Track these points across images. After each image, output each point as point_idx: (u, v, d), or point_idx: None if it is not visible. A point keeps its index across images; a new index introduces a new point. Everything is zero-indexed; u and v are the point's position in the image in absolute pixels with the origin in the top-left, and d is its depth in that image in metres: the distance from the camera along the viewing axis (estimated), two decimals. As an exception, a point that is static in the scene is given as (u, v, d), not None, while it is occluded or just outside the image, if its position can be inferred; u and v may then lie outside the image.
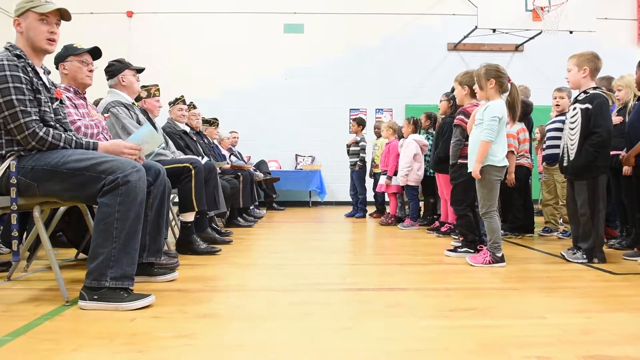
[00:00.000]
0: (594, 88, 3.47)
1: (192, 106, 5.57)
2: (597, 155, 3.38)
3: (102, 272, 2.15)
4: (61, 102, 2.59)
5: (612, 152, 3.76)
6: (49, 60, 2.54)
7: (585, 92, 3.49)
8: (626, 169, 3.72)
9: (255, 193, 6.89)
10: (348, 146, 7.62)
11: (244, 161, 8.09)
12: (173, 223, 4.50)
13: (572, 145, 3.49)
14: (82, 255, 3.44)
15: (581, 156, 3.41)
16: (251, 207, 6.72)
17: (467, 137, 3.83)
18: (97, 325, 1.96)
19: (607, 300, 2.47)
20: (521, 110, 4.69)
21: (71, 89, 3.08)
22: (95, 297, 2.16)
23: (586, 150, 3.38)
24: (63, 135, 2.31)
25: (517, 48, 10.22)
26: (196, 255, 3.70)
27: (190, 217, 3.78)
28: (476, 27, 8.71)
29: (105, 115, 3.43)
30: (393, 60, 10.17)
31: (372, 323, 2.06)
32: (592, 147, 3.36)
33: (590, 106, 3.39)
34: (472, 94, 3.98)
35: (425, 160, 5.83)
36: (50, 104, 2.40)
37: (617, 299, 2.50)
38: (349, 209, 7.81)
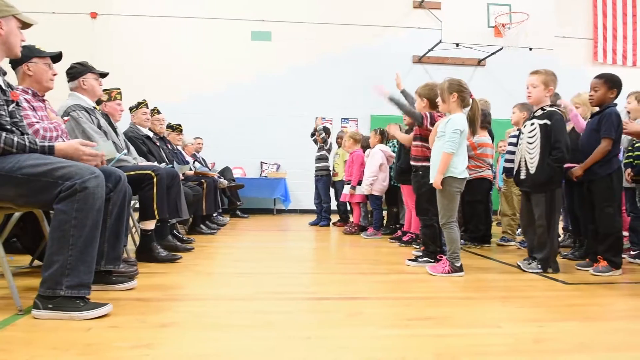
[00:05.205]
0: (550, 105, 3.61)
1: (156, 111, 5.50)
2: (557, 170, 3.52)
3: (57, 281, 2.10)
4: (17, 104, 2.52)
5: (565, 165, 3.90)
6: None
7: (542, 108, 3.62)
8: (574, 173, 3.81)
9: (219, 200, 6.83)
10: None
11: (208, 168, 8.02)
12: (133, 230, 4.42)
13: (531, 159, 3.61)
14: (37, 262, 3.33)
15: (543, 171, 3.53)
16: (214, 215, 6.65)
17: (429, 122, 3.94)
18: (52, 335, 1.91)
19: (559, 310, 2.56)
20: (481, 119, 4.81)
21: (29, 91, 2.99)
22: (50, 306, 2.10)
23: (548, 165, 3.51)
24: (15, 139, 2.22)
25: (480, 62, 10.52)
26: (156, 263, 3.64)
27: (151, 225, 3.72)
28: (440, 41, 8.92)
29: (65, 118, 3.35)
30: (359, 70, 10.28)
31: (332, 332, 2.08)
32: (554, 162, 3.50)
33: (549, 122, 3.52)
34: (431, 106, 4.06)
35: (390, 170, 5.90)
36: (5, 106, 2.34)
37: (568, 308, 2.60)
38: (313, 217, 7.82)
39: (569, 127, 4.34)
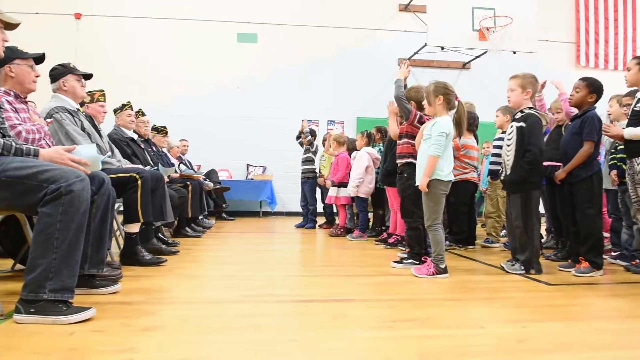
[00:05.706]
0: (529, 108, 3.66)
1: (140, 113, 5.46)
2: (530, 172, 3.57)
3: (40, 284, 2.07)
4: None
5: (546, 163, 3.95)
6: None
7: (521, 111, 3.67)
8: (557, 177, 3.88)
9: (205, 203, 6.80)
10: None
11: (194, 170, 7.97)
12: (117, 233, 4.38)
13: (508, 160, 3.69)
14: (19, 266, 3.29)
15: (516, 172, 3.61)
16: (200, 217, 6.62)
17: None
18: (34, 340, 1.88)
19: (542, 310, 2.60)
20: (468, 123, 4.85)
21: (11, 93, 2.95)
22: (32, 310, 2.07)
23: (521, 167, 3.57)
24: (1, 141, 2.22)
25: (464, 66, 10.61)
26: (141, 266, 3.61)
27: (135, 227, 3.69)
28: (426, 45, 8.98)
29: (48, 120, 3.32)
30: (345, 73, 10.31)
31: (318, 335, 2.08)
32: (526, 164, 3.56)
33: (524, 125, 3.58)
34: (418, 109, 4.08)
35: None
36: (-13, 109, 2.31)
37: (551, 309, 2.64)
38: (300, 219, 7.82)
39: (554, 124, 4.43)
